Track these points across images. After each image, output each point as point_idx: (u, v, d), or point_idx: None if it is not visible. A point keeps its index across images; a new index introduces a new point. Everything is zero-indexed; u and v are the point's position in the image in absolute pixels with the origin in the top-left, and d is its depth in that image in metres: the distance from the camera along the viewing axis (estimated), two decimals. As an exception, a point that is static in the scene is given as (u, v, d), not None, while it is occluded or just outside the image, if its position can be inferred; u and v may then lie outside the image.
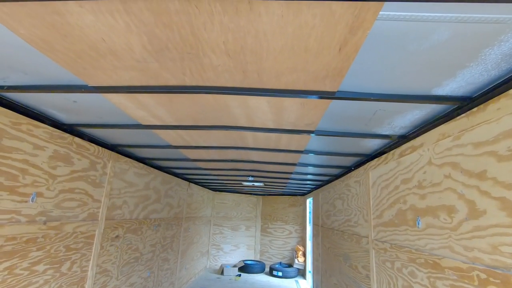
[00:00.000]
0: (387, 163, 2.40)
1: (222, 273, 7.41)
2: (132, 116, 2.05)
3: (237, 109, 1.83)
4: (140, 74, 1.41)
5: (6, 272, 1.86)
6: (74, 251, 2.49)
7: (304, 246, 7.77)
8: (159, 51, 1.21)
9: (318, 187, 5.84)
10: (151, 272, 4.19)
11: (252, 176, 4.73)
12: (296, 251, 7.80)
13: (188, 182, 5.95)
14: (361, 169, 3.06)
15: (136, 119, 2.12)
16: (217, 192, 8.72)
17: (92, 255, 2.73)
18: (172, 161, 3.79)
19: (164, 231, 4.65)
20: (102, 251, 2.91)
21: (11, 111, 1.83)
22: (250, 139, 2.54)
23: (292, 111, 1.80)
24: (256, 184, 5.71)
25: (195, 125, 2.20)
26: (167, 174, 4.70)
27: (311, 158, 3.20)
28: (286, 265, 7.90)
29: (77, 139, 2.45)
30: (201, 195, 7.13)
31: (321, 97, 1.51)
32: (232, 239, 8.50)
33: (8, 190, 1.85)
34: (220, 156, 3.38)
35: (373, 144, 2.43)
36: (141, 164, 3.72)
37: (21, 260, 1.97)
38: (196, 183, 6.45)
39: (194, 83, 1.49)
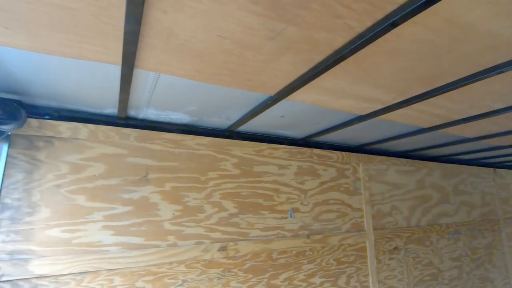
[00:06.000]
0: None
1: None
2: (341, 109, 1.65)
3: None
4: (294, 54, 1.04)
5: (286, 283, 2.05)
6: (347, 265, 2.36)
7: None
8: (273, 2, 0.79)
9: None
10: (466, 295, 3.16)
11: None
12: None
13: (493, 169, 4.18)
14: None
15: (350, 111, 1.70)
16: None
17: (369, 269, 2.46)
18: (444, 146, 2.78)
19: (468, 239, 3.44)
20: (380, 266, 2.56)
21: (252, 142, 2.12)
22: None
23: None
24: None
25: (434, 88, 1.37)
26: (449, 164, 3.55)
27: None
28: None
29: (316, 150, 2.42)
30: (526, 184, 4.74)
31: None
32: None
33: (269, 209, 2.10)
34: (526, 122, 1.95)
35: None
36: (404, 160, 3.06)
37: (297, 272, 2.11)
38: (509, 167, 4.40)
39: (368, 22, 0.86)
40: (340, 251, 2.35)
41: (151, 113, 1.66)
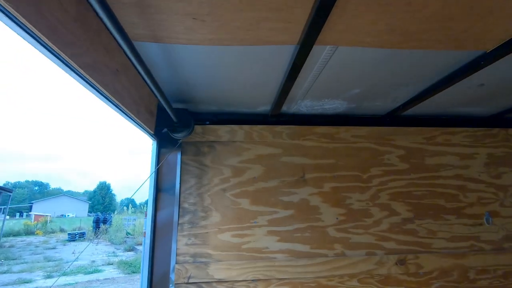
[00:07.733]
0: None
1: None
2: None
3: None
4: None
5: (495, 314, 1.50)
6: None
7: None
8: None
9: None
10: None
11: None
12: None
13: None
14: None
15: None
16: None
17: None
18: None
19: None
20: None
21: (420, 127, 1.67)
22: None
23: None
24: None
25: None
26: None
27: None
28: None
29: (512, 131, 1.74)
30: None
31: None
32: None
33: (454, 213, 1.60)
34: None
35: None
36: None
37: (509, 302, 1.52)
38: None
39: None
40: None
41: (304, 106, 1.47)
